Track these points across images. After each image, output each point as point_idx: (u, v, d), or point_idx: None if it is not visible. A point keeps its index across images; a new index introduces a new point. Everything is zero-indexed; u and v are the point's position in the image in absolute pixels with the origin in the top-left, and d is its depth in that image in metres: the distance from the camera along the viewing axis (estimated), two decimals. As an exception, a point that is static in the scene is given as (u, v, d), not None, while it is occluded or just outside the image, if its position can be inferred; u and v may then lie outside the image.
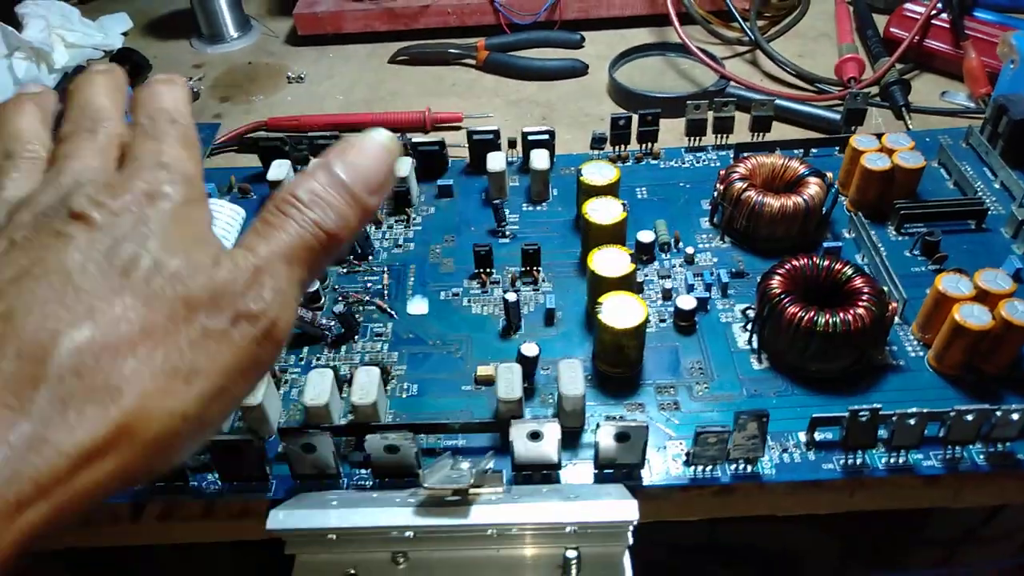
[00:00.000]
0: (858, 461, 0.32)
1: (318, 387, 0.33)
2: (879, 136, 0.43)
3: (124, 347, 0.18)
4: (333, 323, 0.38)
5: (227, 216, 0.40)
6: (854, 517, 0.35)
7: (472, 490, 0.29)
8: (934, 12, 0.56)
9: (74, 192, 0.20)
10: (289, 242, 0.20)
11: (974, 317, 0.33)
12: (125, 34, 0.73)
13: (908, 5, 0.58)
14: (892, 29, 0.59)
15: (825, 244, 0.41)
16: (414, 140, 0.48)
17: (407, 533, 0.28)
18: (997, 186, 0.44)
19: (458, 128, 0.56)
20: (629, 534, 0.28)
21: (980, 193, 0.44)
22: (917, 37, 0.56)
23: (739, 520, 0.34)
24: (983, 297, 0.34)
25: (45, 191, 0.20)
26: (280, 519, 0.28)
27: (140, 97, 0.23)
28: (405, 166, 0.46)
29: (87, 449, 0.17)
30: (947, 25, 0.56)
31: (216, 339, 0.19)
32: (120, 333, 0.18)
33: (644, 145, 0.48)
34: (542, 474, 0.32)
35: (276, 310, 0.20)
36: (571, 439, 0.34)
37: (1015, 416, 0.31)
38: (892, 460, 0.32)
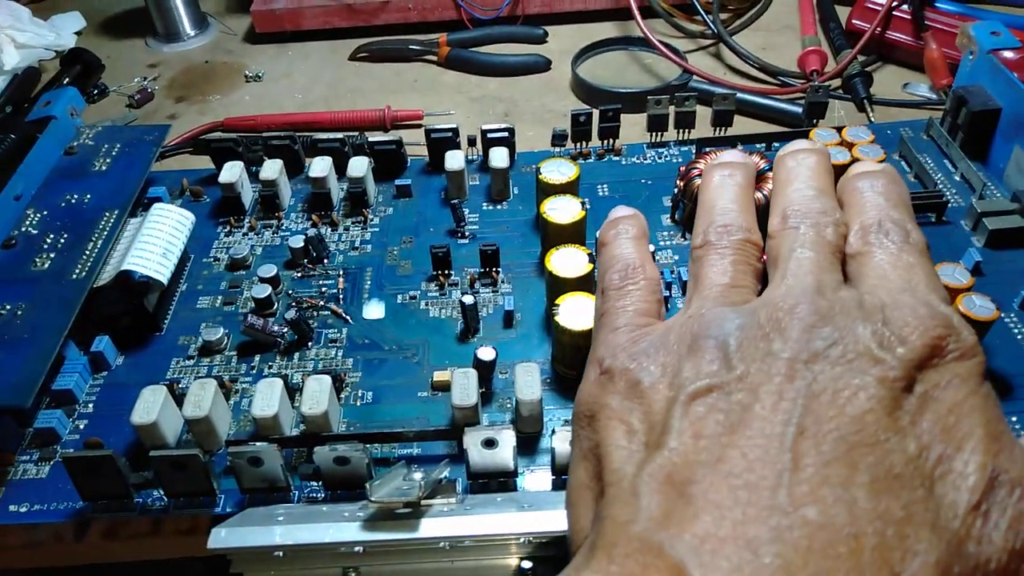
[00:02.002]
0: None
1: (267, 398, 0.32)
2: (839, 129, 0.43)
3: None
4: (285, 330, 0.37)
5: (175, 220, 0.39)
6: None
7: (423, 501, 0.28)
8: (895, 3, 0.56)
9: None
10: None
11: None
12: (78, 33, 0.71)
13: (870, -4, 0.58)
14: (854, 21, 0.58)
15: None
16: (371, 139, 0.47)
17: (356, 548, 0.27)
18: (957, 178, 0.44)
19: (418, 126, 0.55)
20: (585, 543, 0.28)
21: (940, 185, 0.43)
22: (879, 29, 0.56)
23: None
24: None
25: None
26: (223, 537, 0.27)
27: None
28: (362, 166, 0.45)
29: None
30: (908, 16, 0.56)
31: None
32: None
33: (605, 141, 0.48)
34: (499, 482, 0.32)
35: None
36: (530, 445, 0.33)
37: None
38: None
